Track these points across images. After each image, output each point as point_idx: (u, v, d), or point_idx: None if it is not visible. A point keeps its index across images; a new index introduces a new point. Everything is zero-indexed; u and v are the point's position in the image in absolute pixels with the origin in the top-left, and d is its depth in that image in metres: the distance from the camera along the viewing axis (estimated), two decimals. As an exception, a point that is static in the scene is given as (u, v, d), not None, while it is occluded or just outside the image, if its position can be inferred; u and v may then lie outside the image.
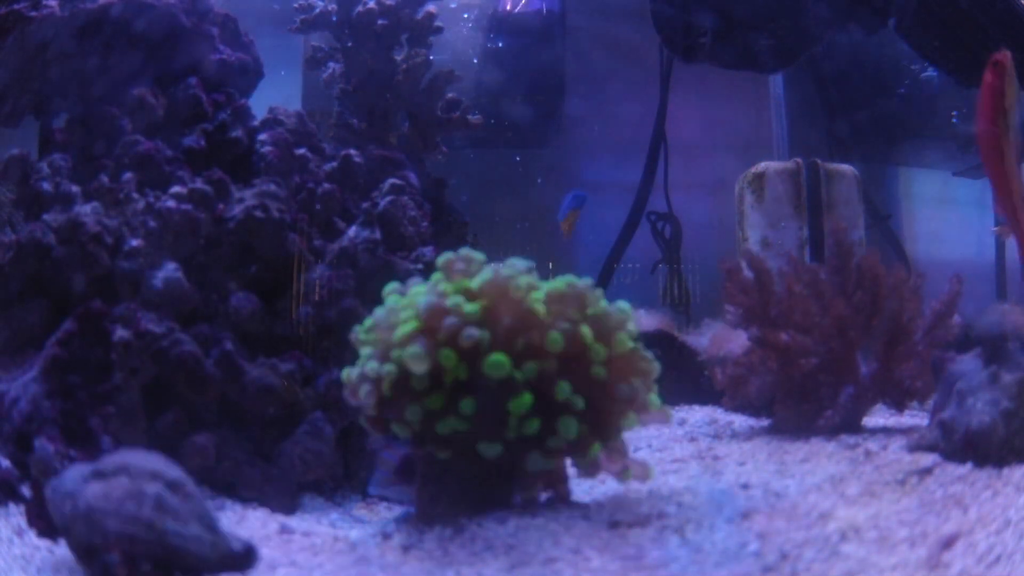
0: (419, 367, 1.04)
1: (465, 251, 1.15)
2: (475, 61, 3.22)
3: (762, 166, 2.80)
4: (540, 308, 1.08)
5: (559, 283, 1.11)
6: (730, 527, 0.95)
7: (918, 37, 2.73)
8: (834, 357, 1.63)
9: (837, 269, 1.66)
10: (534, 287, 1.10)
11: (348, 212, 1.81)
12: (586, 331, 1.09)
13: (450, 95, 2.27)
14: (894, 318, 1.62)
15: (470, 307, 1.06)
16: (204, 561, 0.77)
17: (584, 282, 1.13)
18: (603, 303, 1.13)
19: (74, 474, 0.80)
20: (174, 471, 0.81)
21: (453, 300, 1.06)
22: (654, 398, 1.15)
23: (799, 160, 2.78)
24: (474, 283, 1.10)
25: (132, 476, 0.76)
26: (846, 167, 2.83)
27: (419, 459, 1.14)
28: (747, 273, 1.71)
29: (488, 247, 1.44)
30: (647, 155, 3.23)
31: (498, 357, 1.03)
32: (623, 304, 1.13)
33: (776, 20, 2.76)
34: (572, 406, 1.07)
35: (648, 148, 3.24)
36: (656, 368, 1.15)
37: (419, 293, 1.12)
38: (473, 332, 1.03)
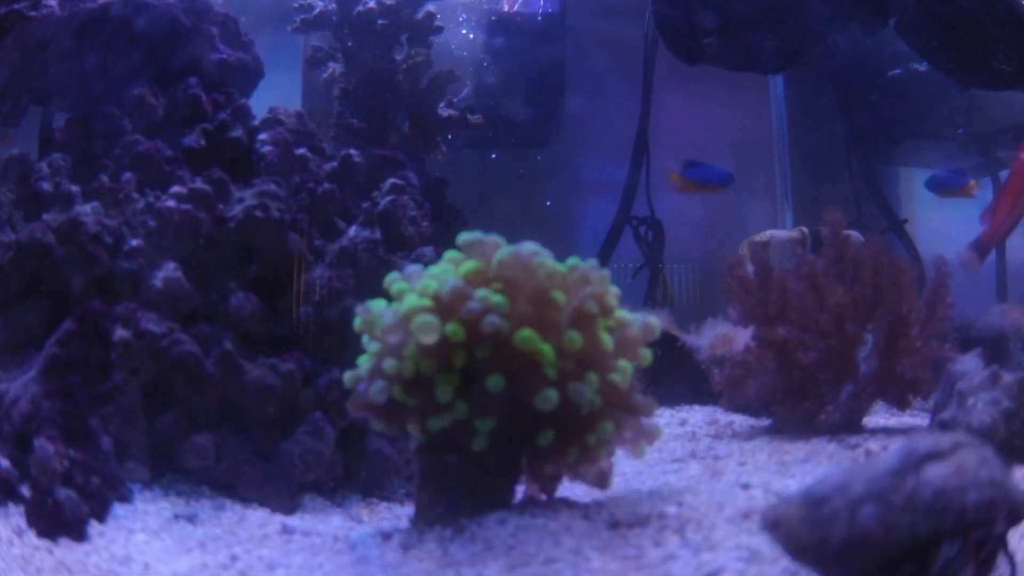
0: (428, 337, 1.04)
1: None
2: (476, 61, 3.22)
3: (767, 234, 2.77)
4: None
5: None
6: (730, 527, 0.94)
7: (918, 37, 2.73)
8: (833, 353, 1.62)
9: (835, 259, 1.66)
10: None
11: (348, 212, 1.81)
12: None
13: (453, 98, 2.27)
14: (895, 310, 1.61)
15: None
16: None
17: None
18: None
19: (878, 472, 0.72)
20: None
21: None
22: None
23: (804, 229, 2.75)
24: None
25: (969, 446, 0.73)
26: (854, 234, 2.79)
27: (419, 459, 1.14)
28: (749, 269, 1.71)
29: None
30: (632, 157, 3.20)
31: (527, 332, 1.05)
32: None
33: (779, 21, 2.76)
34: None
35: (632, 150, 3.21)
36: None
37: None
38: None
